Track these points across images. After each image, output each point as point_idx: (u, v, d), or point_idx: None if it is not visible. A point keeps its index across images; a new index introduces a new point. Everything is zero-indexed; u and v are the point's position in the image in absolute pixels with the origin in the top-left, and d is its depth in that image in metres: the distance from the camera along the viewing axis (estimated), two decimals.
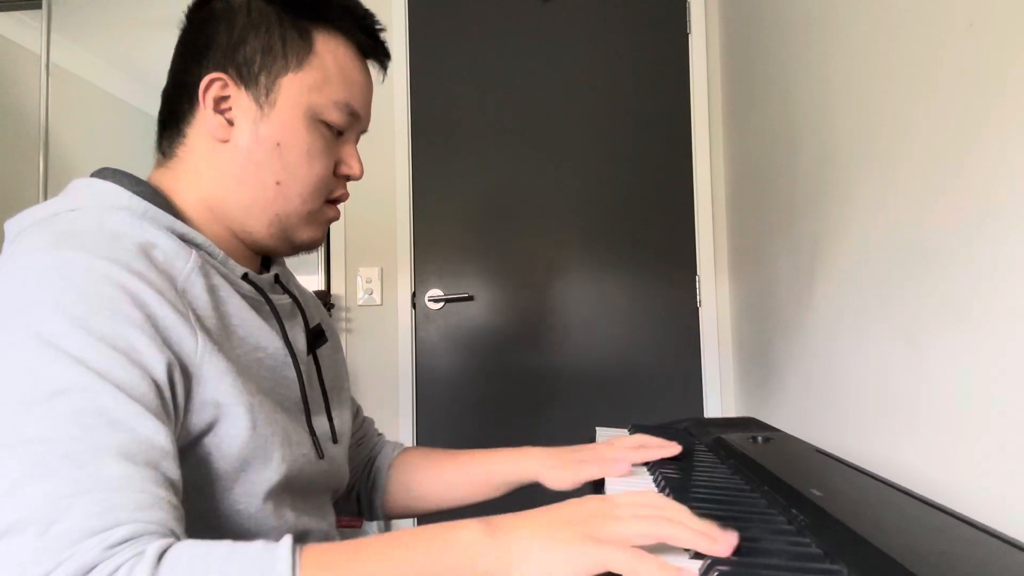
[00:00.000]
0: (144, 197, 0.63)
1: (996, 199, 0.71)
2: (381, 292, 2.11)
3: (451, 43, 2.14)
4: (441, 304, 2.09)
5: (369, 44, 0.73)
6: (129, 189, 0.63)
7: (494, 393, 2.06)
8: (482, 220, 2.10)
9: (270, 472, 0.61)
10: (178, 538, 0.45)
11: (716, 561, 0.47)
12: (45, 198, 2.20)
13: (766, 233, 1.59)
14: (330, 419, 0.76)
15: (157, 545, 0.42)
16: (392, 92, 2.12)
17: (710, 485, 0.69)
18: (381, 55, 0.75)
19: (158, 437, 0.49)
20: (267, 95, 0.66)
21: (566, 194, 2.08)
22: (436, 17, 2.15)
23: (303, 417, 0.69)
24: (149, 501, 0.45)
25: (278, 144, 0.66)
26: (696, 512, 0.58)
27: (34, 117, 2.24)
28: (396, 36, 2.13)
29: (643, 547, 0.47)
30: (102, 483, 0.44)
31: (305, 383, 0.70)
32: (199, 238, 0.63)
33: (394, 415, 2.06)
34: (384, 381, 2.07)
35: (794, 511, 0.58)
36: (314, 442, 0.69)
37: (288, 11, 0.67)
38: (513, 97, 2.11)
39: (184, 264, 0.59)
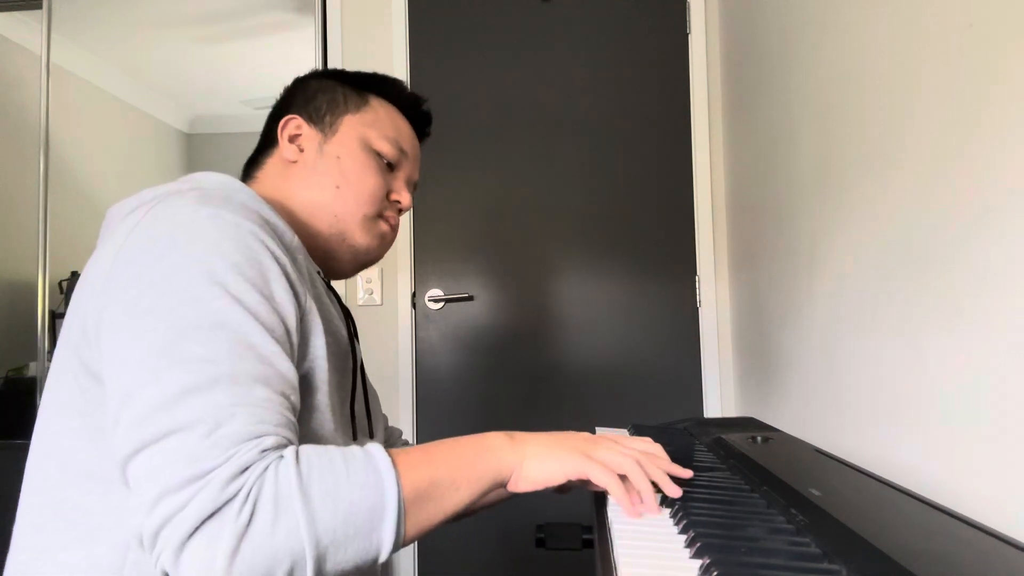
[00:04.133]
0: None
1: (995, 199, 0.71)
2: (381, 292, 2.11)
3: (451, 43, 2.14)
4: (441, 304, 2.09)
5: (414, 116, 0.91)
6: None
7: (494, 393, 2.06)
8: (482, 220, 2.10)
9: (325, 434, 0.68)
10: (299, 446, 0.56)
11: (715, 561, 0.47)
12: (45, 198, 2.20)
13: (766, 233, 1.59)
14: (369, 415, 0.83)
15: (291, 449, 0.54)
16: None
17: (710, 485, 0.69)
18: (424, 125, 0.94)
19: (290, 374, 0.59)
20: (330, 127, 0.83)
21: (566, 194, 2.08)
22: (436, 17, 2.15)
23: (348, 405, 0.76)
24: (284, 420, 0.56)
25: (338, 157, 0.81)
26: (696, 512, 0.58)
27: (34, 117, 2.24)
28: (396, 36, 2.13)
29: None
30: (254, 400, 0.55)
31: (357, 378, 0.79)
32: (292, 230, 0.73)
33: (394, 415, 2.06)
34: (384, 381, 2.07)
35: (793, 511, 0.58)
36: (353, 427, 0.76)
37: (351, 83, 0.86)
38: (513, 97, 2.11)
39: (291, 240, 0.70)
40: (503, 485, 0.64)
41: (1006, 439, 0.69)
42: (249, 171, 0.85)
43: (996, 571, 0.42)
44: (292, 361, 0.61)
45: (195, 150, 2.34)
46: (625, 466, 0.64)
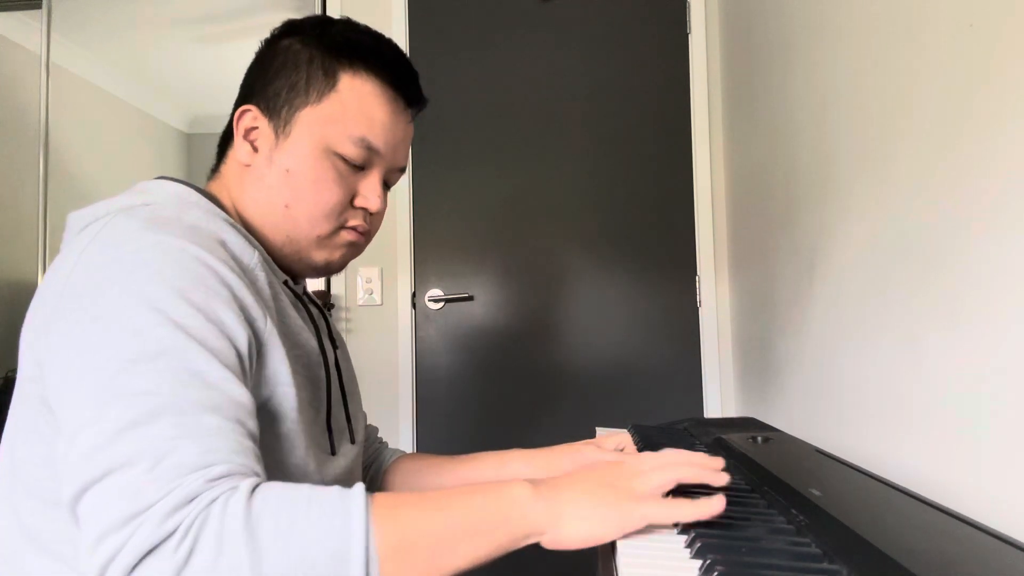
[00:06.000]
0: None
1: (995, 199, 0.71)
2: (381, 292, 2.11)
3: (451, 43, 2.14)
4: (441, 304, 2.09)
5: (399, 87, 0.75)
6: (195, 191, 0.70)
7: (494, 393, 2.06)
8: (482, 220, 2.10)
9: (296, 460, 0.65)
10: (262, 479, 0.52)
11: (715, 561, 0.47)
12: (45, 198, 2.20)
13: (766, 233, 1.59)
14: (349, 420, 0.80)
15: (249, 482, 0.49)
16: None
17: (710, 485, 0.69)
18: (411, 99, 0.78)
19: (243, 399, 0.55)
20: (284, 126, 0.72)
21: (566, 194, 2.08)
22: (436, 17, 2.15)
23: (324, 416, 0.73)
24: (239, 448, 0.52)
25: (287, 170, 0.71)
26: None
27: (34, 117, 2.24)
28: (396, 36, 2.13)
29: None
30: (201, 430, 0.51)
31: (332, 385, 0.76)
32: (254, 241, 0.69)
33: (394, 415, 2.06)
34: (384, 381, 2.07)
35: (794, 511, 0.58)
36: (330, 439, 0.73)
37: (320, 51, 0.73)
38: (513, 97, 2.11)
39: (249, 259, 0.66)
40: (529, 542, 0.55)
41: (1006, 439, 0.69)
42: (218, 157, 0.78)
43: (996, 571, 0.42)
44: (246, 386, 0.57)
45: (195, 150, 2.34)
46: (676, 473, 0.58)
